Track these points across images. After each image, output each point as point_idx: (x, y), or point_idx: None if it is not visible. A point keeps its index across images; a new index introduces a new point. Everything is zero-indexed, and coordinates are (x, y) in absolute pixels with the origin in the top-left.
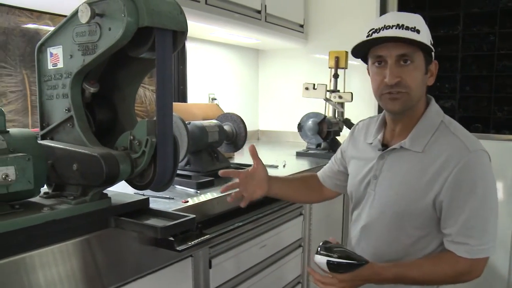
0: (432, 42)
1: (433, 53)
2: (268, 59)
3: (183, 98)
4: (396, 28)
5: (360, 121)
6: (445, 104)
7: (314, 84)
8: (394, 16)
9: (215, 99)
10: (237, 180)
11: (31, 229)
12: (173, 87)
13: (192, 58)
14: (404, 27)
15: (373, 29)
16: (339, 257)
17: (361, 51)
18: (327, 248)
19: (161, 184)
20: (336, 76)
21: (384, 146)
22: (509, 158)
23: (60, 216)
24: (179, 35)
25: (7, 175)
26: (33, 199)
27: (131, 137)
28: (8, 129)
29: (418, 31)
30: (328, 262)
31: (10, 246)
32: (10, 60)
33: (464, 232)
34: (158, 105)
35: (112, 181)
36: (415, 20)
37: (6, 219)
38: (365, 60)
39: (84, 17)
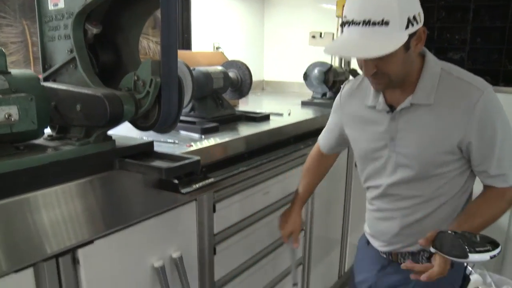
0: (415, 16)
1: (416, 23)
2: (274, 7)
3: (187, 46)
4: (362, 26)
5: (346, 84)
6: (454, 56)
7: (321, 33)
8: (361, 3)
9: (220, 48)
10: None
11: (35, 170)
12: (177, 31)
13: (197, 6)
14: (371, 22)
15: (345, 17)
16: (494, 247)
17: None
18: (472, 242)
19: (166, 126)
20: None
21: (390, 107)
22: None
23: (64, 157)
24: None
25: (10, 115)
26: (36, 141)
27: (135, 78)
28: (9, 70)
29: (387, 23)
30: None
31: (14, 186)
32: (10, 10)
33: (498, 165)
34: (162, 45)
35: (116, 122)
36: (383, 5)
37: (10, 159)
38: None
39: None
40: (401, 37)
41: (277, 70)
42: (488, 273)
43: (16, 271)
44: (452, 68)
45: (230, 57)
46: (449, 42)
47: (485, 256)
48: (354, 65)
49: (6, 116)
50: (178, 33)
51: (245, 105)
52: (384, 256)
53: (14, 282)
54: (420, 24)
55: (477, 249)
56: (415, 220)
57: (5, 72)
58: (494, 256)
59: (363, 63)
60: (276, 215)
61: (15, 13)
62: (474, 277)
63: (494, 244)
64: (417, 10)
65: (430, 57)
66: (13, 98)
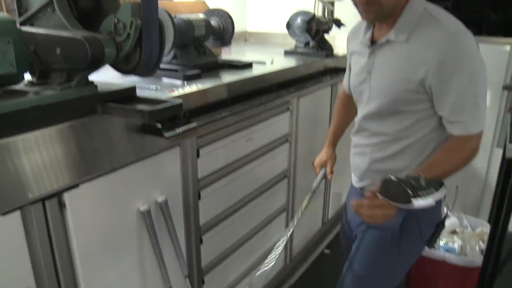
0: None
1: None
2: None
3: None
4: None
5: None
6: (438, 4)
7: None
8: None
9: None
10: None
11: (16, 114)
12: None
13: None
14: None
15: None
16: (439, 188)
17: None
18: (417, 187)
19: (147, 69)
20: None
21: (373, 42)
22: (500, 62)
23: (45, 101)
24: None
25: None
26: (17, 87)
27: (115, 20)
28: None
29: None
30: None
31: None
32: None
33: (456, 111)
34: None
35: (97, 65)
36: None
37: None
38: None
39: None
40: None
41: (260, 21)
42: (465, 216)
43: (4, 213)
44: (435, 10)
45: (213, 6)
46: None
47: (429, 200)
48: (338, 14)
49: None
50: None
51: (228, 55)
52: (361, 192)
53: (3, 225)
54: None
55: (419, 193)
56: (382, 157)
57: None
58: (439, 199)
59: None
60: (259, 161)
61: None
62: (451, 220)
63: (440, 186)
64: None
65: None
66: None
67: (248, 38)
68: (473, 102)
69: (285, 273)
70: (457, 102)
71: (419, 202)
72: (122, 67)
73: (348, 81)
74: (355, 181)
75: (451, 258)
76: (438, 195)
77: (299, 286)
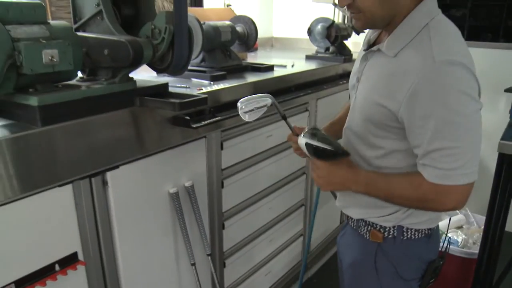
0: None
1: None
2: None
3: (199, 3)
4: None
5: None
6: (456, 13)
7: None
8: None
9: (230, 5)
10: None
11: (72, 103)
12: None
13: None
14: None
15: None
16: (319, 142)
17: None
18: (313, 134)
19: (178, 68)
20: None
21: (371, 47)
22: None
23: (95, 93)
24: None
25: (52, 57)
26: (71, 82)
27: (152, 26)
28: (48, 21)
29: None
30: (307, 144)
31: (56, 116)
32: None
33: (428, 153)
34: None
35: (138, 63)
36: None
37: (53, 94)
38: None
39: None
40: None
41: (285, 27)
42: (472, 213)
43: (60, 185)
44: (438, 26)
45: (239, 14)
46: None
47: (303, 140)
48: None
49: (50, 57)
50: None
51: (254, 59)
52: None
53: (58, 195)
54: None
55: (312, 138)
56: None
57: (46, 23)
58: (311, 145)
59: None
60: (278, 156)
61: None
62: (458, 217)
63: (330, 144)
64: None
65: (425, 7)
66: (54, 43)
67: (274, 43)
68: (450, 148)
69: (302, 266)
70: (430, 144)
71: (301, 139)
72: (157, 66)
73: None
74: (337, 200)
75: (453, 249)
76: (311, 141)
77: (317, 279)
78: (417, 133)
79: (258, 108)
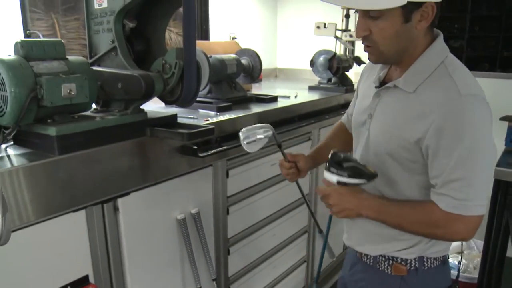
0: None
1: None
2: (286, 1)
3: (205, 36)
4: None
5: None
6: (454, 44)
7: (325, 23)
8: None
9: (235, 38)
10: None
11: (88, 133)
12: (196, 23)
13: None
14: None
15: None
16: (349, 176)
17: None
18: (338, 164)
19: (187, 100)
20: (347, 16)
21: (382, 84)
22: None
23: (109, 124)
24: None
25: (70, 90)
26: (86, 113)
27: (163, 62)
28: (67, 57)
29: None
30: (340, 183)
31: (73, 145)
32: (40, 5)
33: (448, 183)
34: (184, 35)
35: (149, 96)
36: None
37: (70, 125)
38: None
39: None
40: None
41: (289, 59)
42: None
43: (74, 211)
44: (454, 63)
45: (246, 46)
46: (448, 31)
47: (333, 177)
48: (358, 52)
49: (68, 91)
50: (197, 25)
51: (258, 90)
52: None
53: (72, 220)
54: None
55: (340, 173)
56: (364, 219)
57: (65, 58)
58: (343, 183)
59: (356, 25)
60: (282, 184)
61: (45, 7)
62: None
63: (361, 176)
64: None
65: (438, 45)
66: (72, 78)
67: (278, 74)
68: (468, 179)
69: None
70: (450, 174)
71: (327, 175)
72: (167, 99)
73: (349, 109)
74: (345, 237)
75: (454, 274)
76: (343, 179)
77: None
78: (441, 163)
79: (259, 138)
